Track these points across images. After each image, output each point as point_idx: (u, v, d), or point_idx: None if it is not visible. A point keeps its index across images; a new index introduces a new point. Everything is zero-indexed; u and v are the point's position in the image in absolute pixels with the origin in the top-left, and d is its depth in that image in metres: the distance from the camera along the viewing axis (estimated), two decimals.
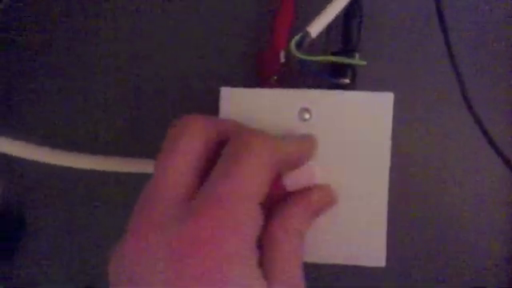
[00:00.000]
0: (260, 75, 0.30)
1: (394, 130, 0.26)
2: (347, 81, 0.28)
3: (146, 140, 0.35)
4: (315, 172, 0.25)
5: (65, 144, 0.30)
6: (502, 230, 0.33)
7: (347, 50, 0.28)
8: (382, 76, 0.33)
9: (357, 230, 0.26)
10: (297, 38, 0.25)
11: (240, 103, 0.27)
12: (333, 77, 0.28)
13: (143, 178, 0.32)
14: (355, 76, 0.28)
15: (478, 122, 0.25)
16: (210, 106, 0.27)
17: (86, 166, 0.30)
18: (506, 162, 0.26)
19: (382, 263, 0.26)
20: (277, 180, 0.25)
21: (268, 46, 0.31)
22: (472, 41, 0.33)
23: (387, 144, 0.26)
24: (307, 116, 0.26)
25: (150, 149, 0.34)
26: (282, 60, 0.29)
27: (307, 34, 0.25)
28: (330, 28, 0.27)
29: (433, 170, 0.33)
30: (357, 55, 0.28)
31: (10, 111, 0.36)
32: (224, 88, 0.27)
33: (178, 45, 0.35)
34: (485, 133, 0.26)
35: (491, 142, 0.26)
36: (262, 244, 0.22)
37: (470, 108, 0.26)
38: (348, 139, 0.26)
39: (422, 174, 0.33)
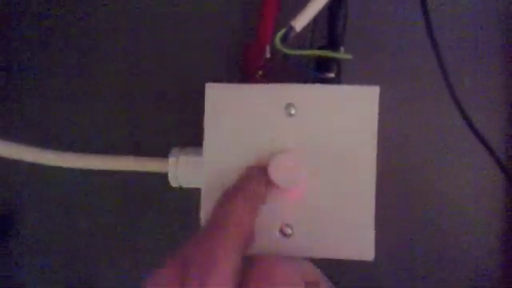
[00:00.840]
0: (245, 70, 0.30)
1: (379, 123, 0.26)
2: (332, 75, 0.28)
3: (143, 135, 0.35)
4: (304, 165, 0.25)
5: (63, 141, 0.30)
6: (496, 226, 0.33)
7: (332, 44, 0.28)
8: (367, 69, 0.33)
9: (345, 224, 0.26)
10: (281, 32, 0.25)
11: (225, 99, 0.26)
12: (318, 71, 0.28)
13: (136, 177, 0.33)
14: (340, 70, 0.28)
15: (463, 113, 0.26)
16: (198, 101, 0.27)
17: (79, 166, 0.30)
18: (494, 155, 0.26)
19: (371, 257, 0.26)
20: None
21: (253, 41, 0.31)
22: (457, 33, 0.33)
23: (373, 137, 0.26)
24: (293, 111, 0.26)
25: (146, 145, 0.34)
26: (268, 55, 0.29)
27: (292, 28, 0.25)
28: (315, 22, 0.27)
29: (420, 161, 0.33)
30: (342, 49, 0.28)
31: (9, 110, 0.36)
32: (209, 84, 0.27)
33: (164, 41, 0.35)
34: (471, 127, 0.26)
35: (476, 134, 0.26)
36: None
37: (457, 104, 0.26)
38: (334, 133, 0.26)
39: (408, 165, 0.33)
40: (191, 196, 0.28)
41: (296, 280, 0.21)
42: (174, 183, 0.30)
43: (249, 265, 0.21)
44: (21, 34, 0.35)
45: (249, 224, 0.23)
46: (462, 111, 0.26)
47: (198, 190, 0.27)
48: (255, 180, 0.25)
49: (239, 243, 0.21)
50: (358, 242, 0.26)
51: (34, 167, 0.30)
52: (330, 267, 0.25)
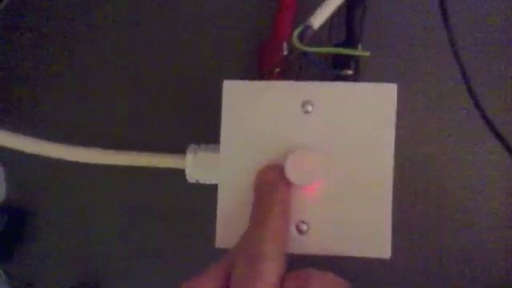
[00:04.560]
0: (262, 68, 0.30)
1: (397, 120, 0.26)
2: (350, 72, 0.28)
3: (148, 135, 0.35)
4: (321, 162, 0.25)
5: (70, 139, 0.31)
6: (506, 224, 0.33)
7: (350, 42, 0.28)
8: (385, 67, 0.32)
9: (362, 222, 0.26)
10: (299, 29, 0.25)
11: (243, 96, 0.27)
12: (336, 68, 0.28)
13: (146, 176, 0.33)
14: (358, 67, 0.28)
15: (482, 112, 0.25)
16: (212, 98, 0.27)
17: (89, 160, 0.31)
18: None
19: (388, 254, 0.26)
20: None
21: (270, 38, 0.31)
22: (475, 30, 0.33)
23: (391, 135, 0.26)
24: (310, 108, 0.26)
25: (151, 143, 0.34)
26: (285, 52, 0.29)
27: (309, 25, 0.25)
28: (333, 19, 0.27)
29: (436, 160, 0.33)
30: (360, 46, 0.28)
31: (11, 109, 0.36)
32: (227, 81, 0.27)
33: (179, 36, 0.35)
34: (488, 123, 0.26)
35: (494, 132, 0.26)
36: None
37: (474, 100, 0.25)
38: (351, 130, 0.26)
39: (425, 164, 0.33)
40: (206, 194, 0.29)
41: None
42: (191, 179, 0.30)
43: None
44: (22, 34, 0.36)
45: (287, 228, 0.24)
46: (480, 110, 0.26)
47: (214, 187, 0.27)
48: (281, 187, 0.25)
49: (281, 251, 0.22)
50: (374, 239, 0.26)
51: (48, 165, 0.31)
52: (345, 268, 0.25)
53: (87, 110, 0.36)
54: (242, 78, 0.27)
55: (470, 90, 0.26)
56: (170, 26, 0.35)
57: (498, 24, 0.32)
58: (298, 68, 0.30)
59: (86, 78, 0.36)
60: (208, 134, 0.28)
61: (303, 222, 0.26)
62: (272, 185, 0.25)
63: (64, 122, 0.36)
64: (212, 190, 0.27)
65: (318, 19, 0.25)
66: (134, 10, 0.35)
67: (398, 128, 0.26)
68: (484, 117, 0.26)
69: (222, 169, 0.27)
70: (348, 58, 0.28)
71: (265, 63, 0.30)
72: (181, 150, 0.31)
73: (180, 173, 0.30)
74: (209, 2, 0.34)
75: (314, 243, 0.26)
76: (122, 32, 0.35)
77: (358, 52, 0.28)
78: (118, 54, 0.35)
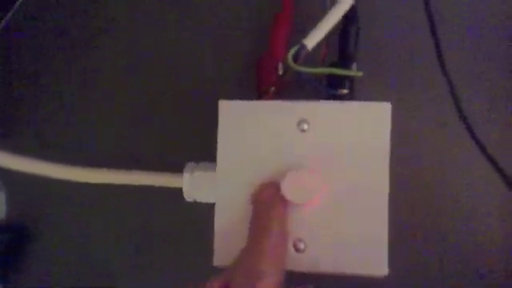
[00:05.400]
0: (258, 87, 0.31)
1: (391, 139, 0.26)
2: (345, 91, 0.28)
3: (147, 135, 0.35)
4: (317, 181, 0.26)
5: (62, 153, 0.31)
6: (499, 239, 0.33)
7: (344, 61, 0.29)
8: (379, 86, 0.33)
9: (358, 239, 0.26)
10: (293, 50, 0.26)
11: (239, 116, 0.27)
12: (331, 88, 0.28)
13: (146, 193, 0.33)
14: (353, 86, 0.29)
15: (471, 132, 0.26)
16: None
17: (88, 180, 0.31)
18: (503, 174, 0.26)
19: (385, 272, 0.26)
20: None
21: (266, 57, 0.31)
22: (466, 50, 0.33)
23: (386, 153, 0.26)
24: (305, 127, 0.26)
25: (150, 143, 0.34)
26: (280, 72, 0.30)
27: (304, 46, 0.26)
28: (327, 39, 0.27)
29: (430, 178, 0.33)
30: (354, 66, 0.29)
31: (11, 109, 0.36)
32: (222, 101, 0.27)
33: (177, 54, 0.35)
34: (478, 142, 0.26)
35: (483, 151, 0.26)
36: None
37: (464, 120, 0.26)
38: (347, 149, 0.26)
39: (419, 182, 0.33)
40: (206, 211, 0.29)
41: None
42: (188, 198, 0.31)
43: None
44: (25, 45, 0.36)
45: (284, 245, 0.25)
46: (469, 129, 0.26)
47: (212, 205, 0.27)
48: (278, 205, 0.25)
49: (279, 267, 0.23)
50: (371, 257, 0.26)
51: (49, 183, 0.31)
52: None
53: (87, 111, 0.36)
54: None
55: (464, 118, 0.26)
56: (170, 26, 0.35)
57: (493, 41, 0.33)
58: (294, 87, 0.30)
59: (85, 79, 0.36)
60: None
61: (300, 241, 0.26)
62: (269, 203, 0.25)
63: (64, 122, 0.36)
64: (211, 206, 0.27)
65: (312, 40, 0.26)
66: (133, 9, 0.35)
67: (393, 146, 0.26)
68: (476, 140, 0.26)
69: (219, 187, 0.27)
70: (343, 77, 0.28)
71: (261, 83, 0.30)
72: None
73: (179, 191, 0.31)
74: (209, 2, 0.35)
75: (312, 261, 0.26)
76: (122, 32, 0.35)
77: (352, 72, 0.28)
78: (118, 54, 0.35)
